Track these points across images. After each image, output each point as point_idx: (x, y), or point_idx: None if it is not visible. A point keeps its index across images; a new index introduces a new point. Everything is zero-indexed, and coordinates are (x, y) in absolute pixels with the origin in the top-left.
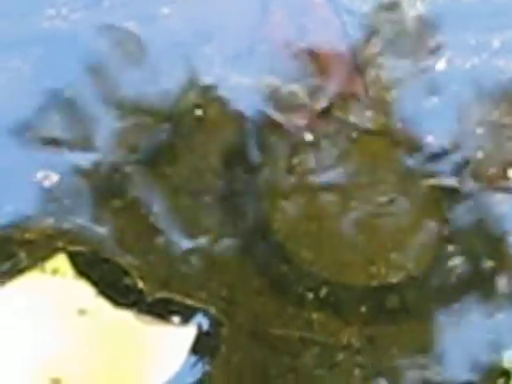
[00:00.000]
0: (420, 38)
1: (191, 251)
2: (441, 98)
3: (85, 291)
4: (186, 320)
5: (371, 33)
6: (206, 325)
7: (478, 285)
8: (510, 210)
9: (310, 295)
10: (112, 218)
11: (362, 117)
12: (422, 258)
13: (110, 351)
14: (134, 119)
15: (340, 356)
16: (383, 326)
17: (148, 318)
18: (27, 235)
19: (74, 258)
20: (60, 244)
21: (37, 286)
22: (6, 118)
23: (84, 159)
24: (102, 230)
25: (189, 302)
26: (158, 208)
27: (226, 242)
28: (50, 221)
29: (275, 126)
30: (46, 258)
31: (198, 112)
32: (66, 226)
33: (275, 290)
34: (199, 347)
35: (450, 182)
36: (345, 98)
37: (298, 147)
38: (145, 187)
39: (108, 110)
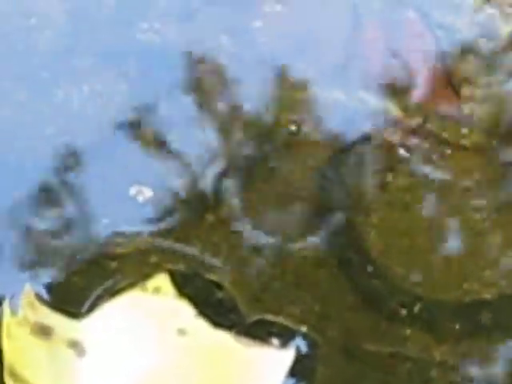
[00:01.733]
0: None
1: (284, 266)
2: None
3: (185, 311)
4: (283, 341)
5: (465, 49)
6: (303, 346)
7: None
8: None
9: (403, 311)
10: (205, 233)
11: (457, 133)
12: None
13: (207, 372)
14: (228, 134)
15: (434, 373)
16: (477, 343)
17: (246, 340)
18: (122, 250)
19: (173, 276)
20: (154, 259)
21: (138, 305)
22: (100, 131)
23: (177, 174)
24: (195, 246)
25: (285, 321)
26: (250, 223)
27: (318, 258)
28: (143, 236)
29: (369, 141)
30: (145, 275)
31: (292, 127)
32: (159, 241)
33: (368, 305)
34: (296, 369)
35: None
36: (439, 115)
37: (391, 163)
38: (239, 202)
39: (201, 125)
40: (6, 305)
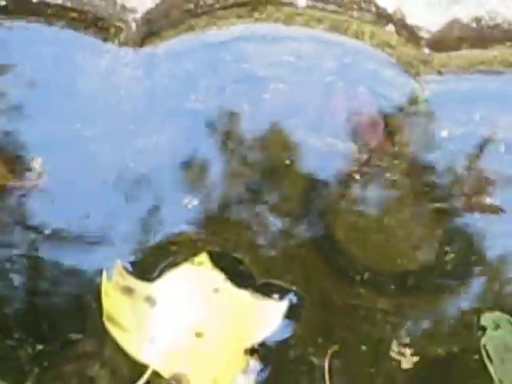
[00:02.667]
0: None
1: (282, 248)
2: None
3: (218, 277)
4: (280, 296)
5: (396, 111)
6: (293, 299)
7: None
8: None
9: (358, 277)
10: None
11: (391, 163)
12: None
13: (233, 317)
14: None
15: (378, 316)
16: (406, 298)
17: (257, 295)
18: (179, 239)
19: (210, 255)
20: (198, 244)
21: (189, 273)
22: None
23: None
24: (226, 237)
25: (282, 283)
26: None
27: (305, 243)
28: (192, 230)
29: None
30: (193, 254)
31: (287, 161)
32: (200, 235)
33: (336, 273)
34: (289, 314)
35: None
36: (380, 153)
37: (348, 185)
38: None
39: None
40: (104, 274)
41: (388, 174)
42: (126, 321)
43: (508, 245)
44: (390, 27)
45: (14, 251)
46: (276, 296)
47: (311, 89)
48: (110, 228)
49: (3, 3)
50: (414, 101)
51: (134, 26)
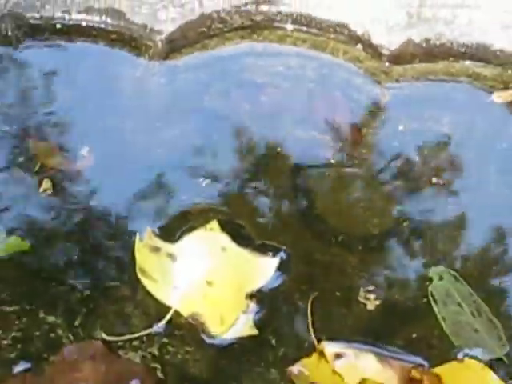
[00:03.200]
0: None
1: (275, 220)
2: None
3: (225, 239)
4: (273, 254)
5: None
6: (284, 256)
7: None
8: None
9: (337, 239)
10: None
11: (360, 153)
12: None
13: (236, 269)
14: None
15: (349, 270)
16: (376, 253)
17: (255, 253)
18: (195, 210)
19: (219, 222)
20: (211, 214)
21: (202, 236)
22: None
23: None
24: (231, 209)
25: (275, 244)
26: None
27: (294, 216)
28: (204, 204)
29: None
30: (206, 222)
31: (279, 149)
32: (211, 206)
33: (317, 237)
34: (280, 267)
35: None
36: (351, 142)
37: (325, 167)
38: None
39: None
40: (137, 237)
41: (357, 160)
42: (154, 272)
43: (450, 212)
44: (359, 46)
45: (68, 220)
46: (270, 254)
47: (297, 93)
48: (142, 201)
49: (59, 26)
50: (377, 103)
51: (160, 44)
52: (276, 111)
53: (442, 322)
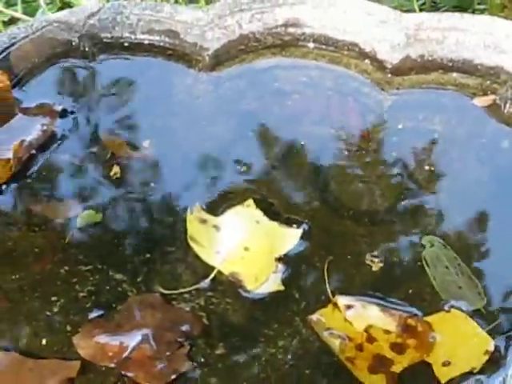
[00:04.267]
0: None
1: (299, 199)
2: None
3: (258, 213)
4: (297, 226)
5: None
6: (306, 227)
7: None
8: None
9: (348, 213)
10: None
11: (367, 145)
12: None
13: (267, 238)
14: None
15: (362, 230)
16: (376, 227)
17: (283, 225)
18: (234, 190)
19: (254, 201)
20: (248, 194)
21: (240, 211)
22: None
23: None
24: (264, 189)
25: (298, 218)
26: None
27: (315, 196)
28: (242, 185)
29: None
30: (244, 200)
31: (302, 142)
32: (248, 187)
33: (333, 212)
34: (302, 236)
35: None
36: (361, 138)
37: (340, 158)
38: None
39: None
40: (188, 210)
41: (364, 151)
42: (201, 239)
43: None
44: (367, 61)
45: (132, 198)
46: (294, 226)
47: (317, 98)
48: (193, 183)
49: (126, 44)
50: (381, 106)
51: (207, 59)
52: (300, 113)
53: (433, 281)
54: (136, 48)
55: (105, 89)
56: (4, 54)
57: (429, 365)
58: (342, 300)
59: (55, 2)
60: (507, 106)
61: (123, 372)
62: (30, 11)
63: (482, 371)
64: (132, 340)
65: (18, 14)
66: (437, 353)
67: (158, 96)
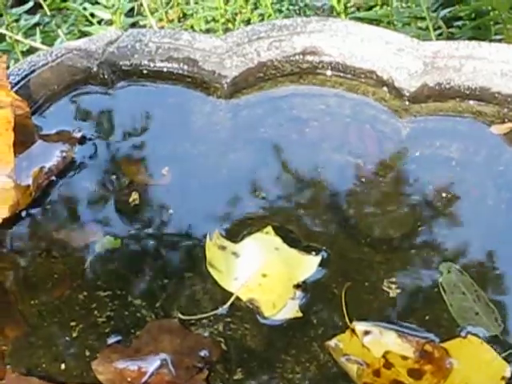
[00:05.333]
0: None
1: (318, 226)
2: None
3: (277, 241)
4: (316, 253)
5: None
6: (325, 255)
7: None
8: None
9: (363, 241)
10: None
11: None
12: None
13: (286, 265)
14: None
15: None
16: (393, 254)
17: (302, 253)
18: (253, 218)
19: (273, 228)
20: (267, 221)
21: (259, 238)
22: None
23: None
24: (282, 217)
25: (316, 245)
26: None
27: (331, 222)
28: (261, 213)
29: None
30: (263, 227)
31: (320, 169)
32: (267, 214)
33: (350, 239)
34: (321, 264)
35: None
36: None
37: (357, 184)
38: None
39: None
40: (207, 237)
41: (382, 179)
42: (220, 266)
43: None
44: (385, 88)
45: (151, 224)
46: (313, 253)
47: (335, 126)
48: (211, 209)
49: (145, 72)
50: (399, 134)
51: (225, 86)
52: (318, 140)
53: (450, 307)
54: (155, 75)
55: (123, 116)
56: (24, 81)
57: None
58: (359, 326)
59: (74, 32)
60: None
61: None
62: (49, 41)
63: None
64: (151, 365)
65: (37, 44)
66: (454, 379)
67: (177, 123)
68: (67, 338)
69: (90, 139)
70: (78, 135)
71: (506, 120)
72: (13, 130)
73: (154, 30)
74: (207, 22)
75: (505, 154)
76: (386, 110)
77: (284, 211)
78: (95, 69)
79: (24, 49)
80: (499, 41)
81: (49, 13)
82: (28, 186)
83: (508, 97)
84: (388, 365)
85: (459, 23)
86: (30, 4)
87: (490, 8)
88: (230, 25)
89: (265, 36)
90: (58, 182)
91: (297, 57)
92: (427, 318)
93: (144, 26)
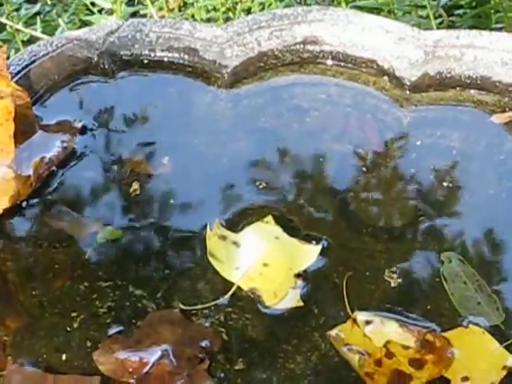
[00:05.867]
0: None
1: (318, 215)
2: None
3: (277, 230)
4: (316, 242)
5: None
6: (325, 244)
7: None
8: None
9: (365, 230)
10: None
11: (386, 162)
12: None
13: (287, 254)
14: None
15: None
16: (394, 244)
17: (303, 241)
18: (253, 207)
19: (274, 217)
20: (267, 211)
21: (259, 228)
22: None
23: None
24: (283, 206)
25: (317, 234)
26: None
27: (332, 211)
28: (261, 202)
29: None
30: (263, 217)
31: (321, 159)
32: (267, 204)
33: (351, 229)
34: (321, 253)
35: None
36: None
37: (358, 174)
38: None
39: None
40: (208, 227)
41: (383, 168)
42: (221, 256)
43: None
44: (386, 78)
45: (151, 214)
46: (314, 242)
47: (336, 115)
48: (211, 199)
49: (146, 61)
50: (400, 123)
51: (226, 76)
52: (318, 130)
53: (451, 297)
54: (155, 65)
55: (124, 106)
56: (24, 71)
57: (447, 380)
58: (360, 316)
59: (74, 22)
60: None
61: None
62: (49, 30)
63: None
64: (152, 356)
65: (38, 33)
66: (455, 368)
67: (177, 113)
68: (68, 329)
69: (91, 129)
70: (79, 125)
71: (507, 109)
72: (13, 121)
73: (154, 19)
74: (208, 11)
75: (506, 143)
76: (387, 100)
77: (284, 200)
78: (96, 59)
79: (25, 38)
80: (500, 29)
81: (49, 2)
82: (28, 177)
83: (509, 86)
84: (389, 354)
85: (460, 11)
86: None
87: None
88: (230, 14)
89: (265, 25)
90: (59, 173)
91: (297, 46)
92: (428, 307)
93: (144, 15)
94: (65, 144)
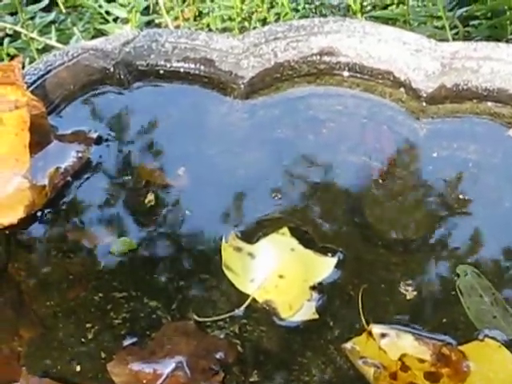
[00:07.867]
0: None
1: (333, 227)
2: None
3: (293, 242)
4: (332, 254)
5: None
6: (341, 256)
7: None
8: None
9: (380, 242)
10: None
11: (401, 173)
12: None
13: (302, 266)
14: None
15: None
16: (409, 256)
17: (319, 254)
18: (269, 219)
19: (289, 229)
20: (282, 223)
21: (275, 239)
22: None
23: None
24: (298, 218)
25: (332, 246)
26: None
27: (348, 222)
28: (277, 214)
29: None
30: (279, 228)
31: (338, 171)
32: (283, 216)
33: (366, 241)
34: (337, 265)
35: None
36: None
37: (374, 186)
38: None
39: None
40: (223, 239)
41: (398, 180)
42: (236, 267)
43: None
44: (402, 89)
45: (167, 225)
46: (329, 254)
47: (352, 127)
48: (227, 210)
49: (162, 72)
50: (416, 135)
51: (242, 87)
52: (334, 141)
53: (467, 310)
54: (171, 76)
55: (140, 116)
56: (40, 81)
57: None
58: (376, 328)
59: (89, 30)
60: None
61: None
62: (64, 39)
63: None
64: (166, 367)
65: (52, 42)
66: (471, 382)
67: (193, 124)
68: (82, 340)
69: (106, 140)
70: (94, 135)
71: None
72: (29, 130)
73: (170, 30)
74: (223, 21)
75: None
76: (403, 111)
77: (300, 212)
78: (111, 69)
79: (39, 47)
80: None
81: (64, 10)
82: (44, 187)
83: None
84: (405, 368)
85: (475, 22)
86: (46, 2)
87: (506, 7)
88: (246, 23)
89: (282, 36)
90: (74, 183)
91: (314, 57)
92: (444, 320)
93: (159, 25)
94: (80, 154)
